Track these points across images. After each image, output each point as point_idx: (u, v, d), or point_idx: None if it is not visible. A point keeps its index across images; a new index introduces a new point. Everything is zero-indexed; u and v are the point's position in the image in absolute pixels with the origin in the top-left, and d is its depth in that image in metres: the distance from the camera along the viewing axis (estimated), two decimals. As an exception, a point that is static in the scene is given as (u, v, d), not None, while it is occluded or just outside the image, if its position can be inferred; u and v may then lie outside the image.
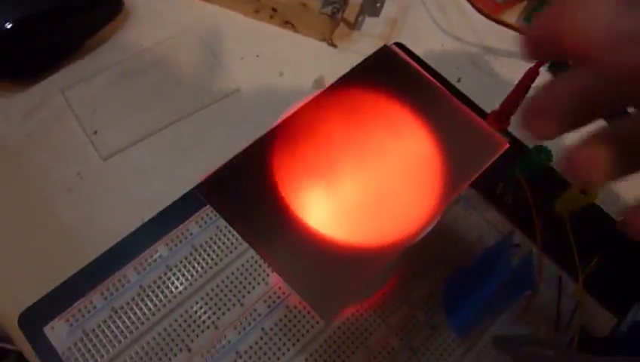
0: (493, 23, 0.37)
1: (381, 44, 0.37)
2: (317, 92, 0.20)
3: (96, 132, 0.32)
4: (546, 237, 0.29)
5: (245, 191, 0.18)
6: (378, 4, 0.36)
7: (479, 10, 0.36)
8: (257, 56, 0.36)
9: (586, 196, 0.29)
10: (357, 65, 0.22)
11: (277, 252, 0.17)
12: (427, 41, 0.38)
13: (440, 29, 0.39)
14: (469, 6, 0.37)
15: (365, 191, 0.18)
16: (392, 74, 0.22)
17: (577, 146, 0.18)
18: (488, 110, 0.31)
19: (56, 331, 0.25)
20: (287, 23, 0.37)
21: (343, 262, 0.17)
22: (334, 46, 0.37)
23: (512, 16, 0.39)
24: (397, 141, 0.20)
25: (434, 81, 0.21)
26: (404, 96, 0.21)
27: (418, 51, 0.36)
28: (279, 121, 0.20)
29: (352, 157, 0.19)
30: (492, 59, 0.38)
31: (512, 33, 0.37)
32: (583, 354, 0.26)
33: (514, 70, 0.28)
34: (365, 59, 0.22)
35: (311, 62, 0.36)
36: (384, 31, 0.38)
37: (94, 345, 0.25)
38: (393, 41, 0.37)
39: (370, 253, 0.17)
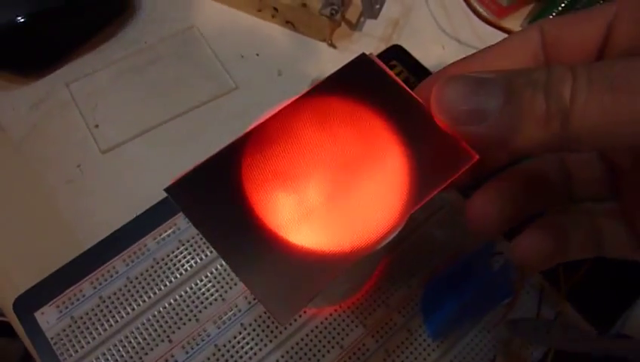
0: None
1: (381, 45, 0.38)
2: (291, 98, 0.21)
3: (97, 126, 0.33)
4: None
5: (213, 193, 0.19)
6: (377, 7, 0.36)
7: (480, 17, 0.36)
8: (257, 54, 0.37)
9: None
10: (334, 72, 0.22)
11: (238, 253, 0.18)
12: (428, 43, 0.38)
13: (442, 32, 0.39)
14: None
15: (332, 197, 0.19)
16: (368, 82, 0.22)
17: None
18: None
19: (46, 316, 0.26)
20: (288, 23, 0.37)
21: (302, 266, 0.18)
22: (334, 46, 0.37)
23: (517, 19, 0.39)
24: (367, 149, 0.20)
25: (409, 91, 0.22)
26: (378, 105, 0.21)
27: (418, 53, 0.36)
28: (254, 124, 0.20)
29: (321, 164, 0.20)
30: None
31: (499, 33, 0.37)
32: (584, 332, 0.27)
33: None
34: (343, 66, 0.22)
35: (310, 62, 0.37)
36: (385, 32, 0.38)
37: (81, 332, 0.26)
38: (393, 43, 0.37)
39: (330, 259, 0.18)
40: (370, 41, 0.38)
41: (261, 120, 0.21)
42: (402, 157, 0.20)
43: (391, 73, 0.22)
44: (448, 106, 0.16)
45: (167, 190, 0.19)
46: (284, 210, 0.19)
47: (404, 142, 0.20)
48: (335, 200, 0.19)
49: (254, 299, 0.27)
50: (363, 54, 0.23)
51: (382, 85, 0.22)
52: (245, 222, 0.18)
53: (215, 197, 0.19)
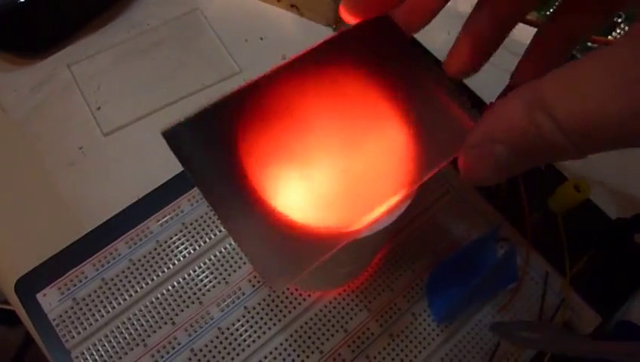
0: (502, 13, 0.36)
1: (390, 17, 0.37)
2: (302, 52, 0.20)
3: (99, 108, 0.33)
4: (539, 233, 0.29)
5: (212, 150, 0.18)
6: (383, -10, 0.36)
7: None
8: (261, 38, 0.36)
9: (579, 193, 0.29)
10: (348, 29, 0.21)
11: (237, 219, 0.17)
12: (433, 27, 0.38)
13: (448, 16, 0.38)
14: (477, -6, 0.36)
15: (335, 171, 0.18)
16: (381, 46, 0.21)
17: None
18: (489, 102, 0.30)
19: (48, 298, 0.26)
20: (293, 7, 0.37)
21: (298, 239, 0.18)
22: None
23: (523, 5, 0.38)
24: (372, 121, 0.20)
25: (424, 56, 0.21)
26: (390, 70, 0.21)
27: (423, 38, 0.36)
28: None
29: (324, 135, 0.19)
30: (499, 50, 0.37)
31: (521, 25, 0.36)
32: (573, 334, 0.27)
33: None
34: (359, 24, 0.21)
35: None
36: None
37: (84, 314, 0.26)
38: (399, 28, 0.37)
39: (326, 235, 0.17)
40: (375, 25, 0.38)
41: (268, 75, 0.20)
42: (408, 130, 0.20)
43: (407, 37, 0.21)
44: (479, 181, 0.17)
45: (162, 133, 0.18)
46: (284, 182, 0.18)
47: (411, 114, 0.20)
48: (338, 175, 0.19)
49: (258, 282, 0.27)
50: (387, 15, 0.21)
51: (396, 49, 0.21)
52: (244, 190, 0.18)
53: (213, 154, 0.18)
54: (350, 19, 0.21)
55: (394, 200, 0.18)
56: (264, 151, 0.19)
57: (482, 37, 0.23)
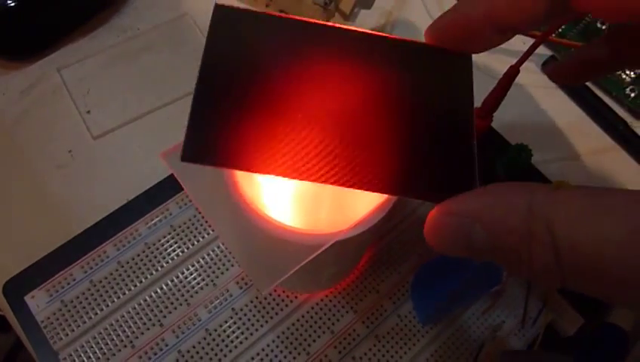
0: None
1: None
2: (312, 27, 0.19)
3: (89, 111, 0.33)
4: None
5: (211, 118, 0.18)
6: (371, -4, 0.36)
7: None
8: (251, 43, 0.37)
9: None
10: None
11: (225, 221, 0.18)
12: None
13: (435, 23, 0.39)
14: (463, 1, 0.37)
15: (337, 140, 0.18)
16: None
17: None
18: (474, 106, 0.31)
19: (36, 300, 0.26)
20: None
21: (284, 241, 0.18)
22: (327, 36, 0.37)
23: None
24: (380, 93, 0.19)
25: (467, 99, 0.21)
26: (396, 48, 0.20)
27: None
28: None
29: (316, 136, 0.19)
30: (487, 55, 0.38)
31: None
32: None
33: (504, 67, 0.28)
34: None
35: (303, 51, 0.37)
36: (378, 23, 0.38)
37: (72, 316, 0.26)
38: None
39: (311, 237, 0.18)
40: (363, 31, 0.38)
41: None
42: (415, 106, 0.19)
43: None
44: (439, 247, 0.16)
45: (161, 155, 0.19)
46: (271, 185, 0.19)
47: (418, 91, 0.19)
48: (337, 145, 0.18)
49: (246, 284, 0.27)
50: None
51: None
52: (234, 194, 0.18)
53: (213, 123, 0.18)
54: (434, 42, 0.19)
55: (378, 202, 0.19)
56: (265, 112, 0.18)
57: (596, 62, 0.23)
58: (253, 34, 0.18)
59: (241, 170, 0.16)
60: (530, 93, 0.36)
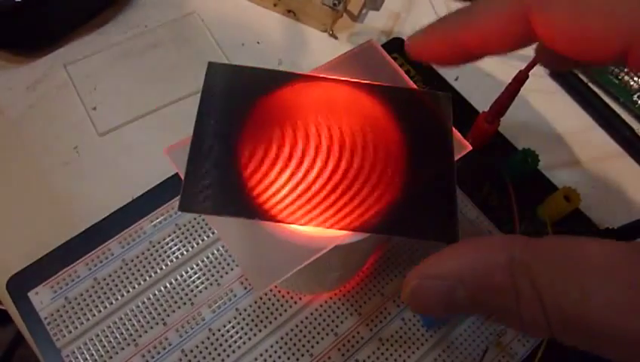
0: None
1: (382, 37, 0.38)
2: (298, 77, 0.21)
3: (95, 108, 0.33)
4: (527, 240, 0.30)
5: (209, 164, 0.19)
6: (379, -2, 0.36)
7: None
8: (258, 42, 0.37)
9: (569, 203, 0.29)
10: (340, 55, 0.22)
11: (227, 221, 0.18)
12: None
13: (443, 26, 0.39)
14: (472, 4, 0.37)
15: (326, 180, 0.19)
16: (373, 69, 0.22)
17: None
18: (482, 110, 0.31)
19: (40, 296, 0.26)
20: (290, 12, 0.37)
21: (286, 241, 0.18)
22: (335, 37, 0.37)
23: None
24: (367, 135, 0.20)
25: (408, 80, 0.22)
26: (380, 93, 0.21)
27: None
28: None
29: (321, 148, 0.20)
30: (492, 59, 0.38)
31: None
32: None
33: (513, 72, 0.28)
34: (349, 51, 0.23)
35: (310, 51, 0.37)
36: (386, 24, 0.38)
37: (75, 313, 0.26)
38: (394, 35, 0.37)
39: (314, 239, 0.18)
40: (371, 33, 0.38)
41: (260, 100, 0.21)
42: (401, 145, 0.20)
43: (393, 63, 0.23)
44: (422, 310, 0.16)
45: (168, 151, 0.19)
46: (276, 185, 0.19)
47: (403, 130, 0.21)
48: (329, 184, 0.19)
49: (250, 285, 0.27)
50: (370, 41, 0.23)
51: (383, 72, 0.22)
52: (237, 194, 0.18)
53: (211, 167, 0.19)
54: (414, 57, 0.20)
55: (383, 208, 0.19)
56: (261, 155, 0.19)
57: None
58: (244, 85, 0.20)
59: (237, 216, 0.18)
60: (537, 99, 0.36)
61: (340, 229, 0.18)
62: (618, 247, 0.13)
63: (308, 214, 0.18)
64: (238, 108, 0.20)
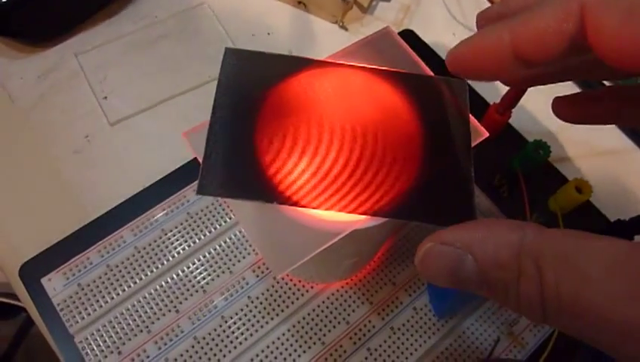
0: (506, 16, 0.37)
1: (392, 29, 0.38)
2: (314, 63, 0.21)
3: (106, 97, 0.33)
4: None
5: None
6: (390, -10, 0.36)
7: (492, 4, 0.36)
8: (269, 34, 0.37)
9: (581, 194, 0.29)
10: (356, 42, 0.22)
11: (245, 204, 0.18)
12: (439, 29, 0.38)
13: (453, 19, 0.39)
14: (483, -3, 0.37)
15: (344, 165, 0.19)
16: (387, 55, 0.22)
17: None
18: (493, 102, 0.31)
19: (53, 283, 0.26)
20: (300, 3, 0.37)
21: (304, 226, 0.18)
22: (345, 29, 0.37)
23: (527, 10, 0.39)
24: (383, 121, 0.20)
25: (424, 66, 0.22)
26: (396, 79, 0.21)
27: (429, 39, 0.36)
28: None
29: (338, 133, 0.20)
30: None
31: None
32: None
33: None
34: (365, 37, 0.23)
35: (321, 42, 0.37)
36: (396, 17, 0.38)
37: (88, 299, 0.26)
38: (404, 27, 0.37)
39: (331, 224, 0.18)
40: (380, 24, 0.38)
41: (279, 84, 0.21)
42: (417, 131, 0.20)
43: (409, 50, 0.23)
44: (430, 276, 0.16)
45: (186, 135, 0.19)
46: (294, 170, 0.19)
47: (419, 117, 0.21)
48: (346, 170, 0.19)
49: (262, 273, 0.27)
50: (386, 28, 0.23)
51: (402, 60, 0.22)
52: (256, 178, 0.19)
53: (229, 150, 0.19)
54: (459, 72, 0.19)
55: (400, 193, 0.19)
56: (278, 141, 0.19)
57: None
58: (262, 71, 0.20)
59: (255, 200, 0.18)
60: (548, 90, 0.36)
61: (360, 214, 0.18)
62: (624, 244, 0.13)
63: (328, 200, 0.18)
64: (255, 93, 0.20)
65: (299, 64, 0.21)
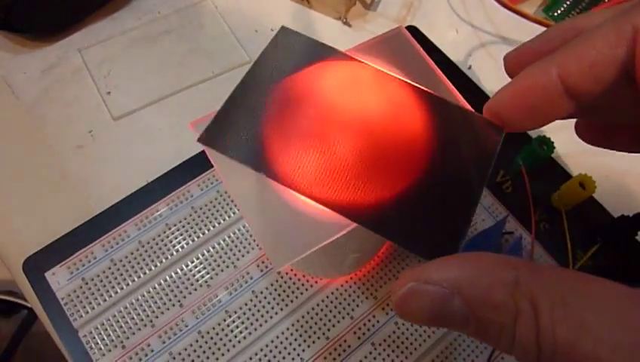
0: (510, 13, 0.37)
1: (395, 25, 0.38)
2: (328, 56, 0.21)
3: (109, 92, 0.33)
4: (543, 228, 0.30)
5: (235, 135, 0.19)
6: (394, -14, 0.36)
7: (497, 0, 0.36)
8: (272, 30, 0.37)
9: (585, 190, 0.29)
10: (368, 40, 0.23)
11: (248, 196, 0.18)
12: (442, 26, 0.38)
13: (456, 15, 0.39)
14: (486, -7, 0.37)
15: (352, 159, 0.19)
16: (398, 54, 0.22)
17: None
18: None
19: (57, 277, 0.26)
20: (304, 0, 0.37)
21: (308, 219, 0.18)
22: (348, 25, 0.37)
23: (531, 7, 0.39)
24: (393, 118, 0.20)
25: (436, 68, 0.22)
26: (407, 77, 0.21)
27: (432, 36, 0.36)
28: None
29: (345, 125, 0.20)
30: (506, 48, 0.38)
31: (528, 24, 0.37)
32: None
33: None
34: (377, 36, 0.23)
35: (324, 39, 0.36)
36: (400, 13, 0.38)
37: (92, 293, 0.26)
38: (407, 24, 0.37)
39: (335, 218, 0.18)
40: (384, 21, 0.38)
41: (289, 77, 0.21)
42: (427, 130, 0.20)
43: (420, 50, 0.23)
44: (410, 316, 0.15)
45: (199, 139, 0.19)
46: (299, 163, 0.19)
47: (430, 116, 0.20)
48: (355, 163, 0.19)
49: (266, 267, 0.27)
50: (399, 27, 0.23)
51: (411, 59, 0.22)
52: (255, 148, 0.19)
53: (236, 138, 0.19)
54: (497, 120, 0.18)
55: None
56: (286, 133, 0.19)
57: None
58: (305, 56, 0.21)
59: (247, 165, 0.18)
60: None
61: (336, 211, 0.17)
62: (623, 290, 0.13)
63: (311, 187, 0.18)
64: (281, 75, 0.20)
65: (334, 55, 0.21)
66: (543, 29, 0.38)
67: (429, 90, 0.20)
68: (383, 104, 0.20)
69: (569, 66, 0.16)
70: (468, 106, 0.21)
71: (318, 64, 0.20)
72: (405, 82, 0.20)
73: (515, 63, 0.19)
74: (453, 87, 0.21)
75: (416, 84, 0.20)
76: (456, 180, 0.18)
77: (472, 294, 0.14)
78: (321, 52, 0.21)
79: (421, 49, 0.22)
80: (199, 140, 0.18)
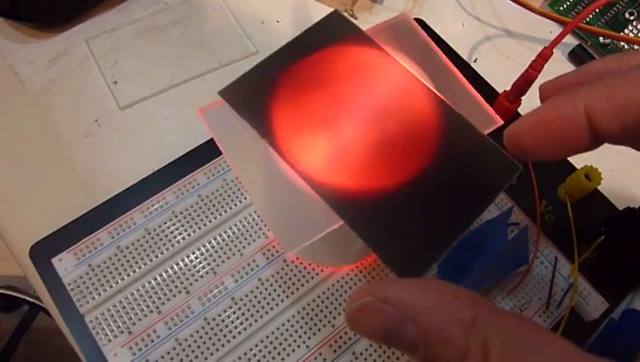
0: (516, 6, 0.37)
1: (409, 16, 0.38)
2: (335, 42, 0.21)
3: (116, 82, 0.33)
4: (549, 220, 0.30)
5: (250, 99, 0.19)
6: (401, -22, 0.36)
7: (502, -9, 0.36)
8: (278, 21, 0.37)
9: (590, 182, 0.29)
10: (374, 27, 0.23)
11: (257, 181, 0.18)
12: (448, 19, 0.38)
13: (462, 8, 0.39)
14: (492, -13, 0.37)
15: (360, 144, 0.19)
16: (403, 41, 0.22)
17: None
18: (502, 90, 0.31)
19: (64, 263, 0.26)
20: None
21: (316, 204, 0.18)
22: (355, 17, 0.37)
23: (537, 0, 0.39)
24: (399, 103, 0.20)
25: (441, 54, 0.22)
26: (413, 64, 0.21)
27: (438, 29, 0.36)
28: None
29: (354, 112, 0.20)
30: (511, 41, 0.38)
31: (534, 17, 0.37)
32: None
33: (532, 54, 0.28)
34: (383, 22, 0.23)
35: (330, 31, 0.37)
36: (406, 6, 0.38)
37: (98, 279, 0.26)
38: (414, 17, 0.37)
39: (344, 201, 0.18)
40: (390, 13, 0.38)
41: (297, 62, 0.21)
42: (433, 114, 0.20)
43: (426, 37, 0.23)
44: (362, 331, 0.15)
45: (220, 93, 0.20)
46: (309, 148, 0.19)
47: (436, 101, 0.20)
48: (363, 148, 0.19)
49: (272, 255, 0.27)
50: (403, 14, 0.23)
51: (416, 46, 0.22)
52: (271, 155, 0.19)
53: (251, 107, 0.19)
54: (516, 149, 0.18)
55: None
56: (295, 119, 0.19)
57: None
58: (345, 42, 0.21)
59: (253, 127, 0.19)
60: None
61: (321, 196, 0.18)
62: (575, 353, 0.13)
63: (308, 165, 0.18)
64: (325, 59, 0.21)
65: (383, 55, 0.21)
66: (549, 22, 0.38)
67: (452, 106, 0.20)
68: (401, 105, 0.20)
69: (597, 103, 0.15)
70: (475, 94, 0.21)
71: (346, 48, 0.21)
72: (434, 93, 0.20)
73: (551, 95, 0.18)
74: (458, 71, 0.21)
75: (443, 98, 0.20)
76: (450, 201, 0.18)
77: (427, 324, 0.14)
78: (359, 42, 0.21)
79: (427, 36, 0.22)
80: (220, 92, 0.19)
